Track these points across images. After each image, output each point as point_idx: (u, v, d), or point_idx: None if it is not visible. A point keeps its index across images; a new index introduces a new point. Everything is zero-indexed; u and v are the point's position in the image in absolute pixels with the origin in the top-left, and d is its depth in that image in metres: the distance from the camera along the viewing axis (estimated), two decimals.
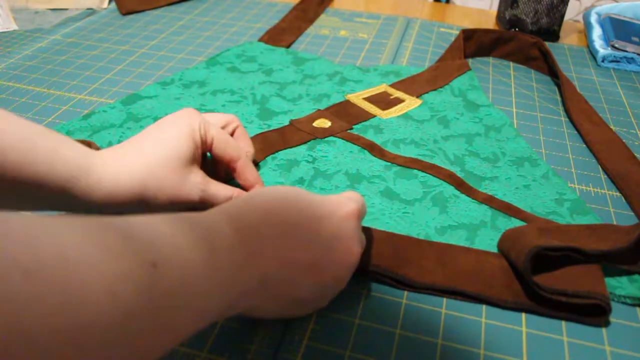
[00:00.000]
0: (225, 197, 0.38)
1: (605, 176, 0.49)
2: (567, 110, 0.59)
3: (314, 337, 0.33)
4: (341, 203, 0.33)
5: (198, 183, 0.37)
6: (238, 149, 0.40)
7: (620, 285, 0.37)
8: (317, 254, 0.30)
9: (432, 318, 0.35)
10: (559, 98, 0.63)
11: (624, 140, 0.53)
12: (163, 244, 0.23)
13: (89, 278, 0.18)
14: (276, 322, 0.34)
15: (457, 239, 0.40)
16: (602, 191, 0.48)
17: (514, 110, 0.60)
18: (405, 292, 0.37)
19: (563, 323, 0.35)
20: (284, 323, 0.34)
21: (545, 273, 0.35)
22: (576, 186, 0.48)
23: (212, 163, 0.43)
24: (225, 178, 0.42)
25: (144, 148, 0.36)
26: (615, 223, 0.44)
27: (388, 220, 0.41)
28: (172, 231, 0.24)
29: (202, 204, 0.37)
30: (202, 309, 0.24)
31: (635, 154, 0.52)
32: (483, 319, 0.35)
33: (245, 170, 0.40)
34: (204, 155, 0.41)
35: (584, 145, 0.54)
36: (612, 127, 0.57)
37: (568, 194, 0.45)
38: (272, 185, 0.36)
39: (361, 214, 0.34)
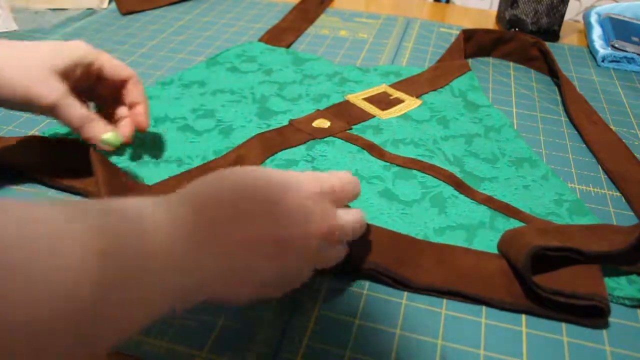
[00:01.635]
0: (80, 116, 0.40)
1: (605, 176, 0.49)
2: (567, 110, 0.59)
3: (314, 337, 0.33)
4: (304, 182, 0.32)
5: (57, 89, 0.39)
6: (129, 69, 0.45)
7: (618, 287, 0.37)
8: (275, 231, 0.29)
9: (432, 318, 0.35)
10: (559, 98, 0.63)
11: (624, 140, 0.53)
12: (117, 227, 0.23)
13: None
14: (276, 322, 0.34)
15: (455, 239, 0.40)
16: (602, 191, 0.48)
17: (514, 110, 0.60)
18: (405, 292, 0.37)
19: (563, 323, 0.35)
20: (284, 323, 0.34)
21: (544, 273, 0.35)
22: (576, 186, 0.48)
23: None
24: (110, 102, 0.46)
25: (23, 43, 0.41)
26: (615, 223, 0.44)
27: (387, 220, 0.41)
28: (119, 220, 0.24)
29: (52, 113, 0.40)
30: (162, 289, 0.24)
31: (635, 154, 0.52)
32: (483, 320, 0.35)
33: (136, 87, 0.45)
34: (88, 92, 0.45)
35: (584, 145, 0.54)
36: (612, 127, 0.57)
37: (567, 194, 0.45)
38: (232, 167, 0.35)
39: (336, 192, 0.33)
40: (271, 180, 0.31)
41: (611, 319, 0.35)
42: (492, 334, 0.34)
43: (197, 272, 0.26)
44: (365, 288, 0.37)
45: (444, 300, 0.36)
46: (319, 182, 0.32)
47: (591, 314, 0.35)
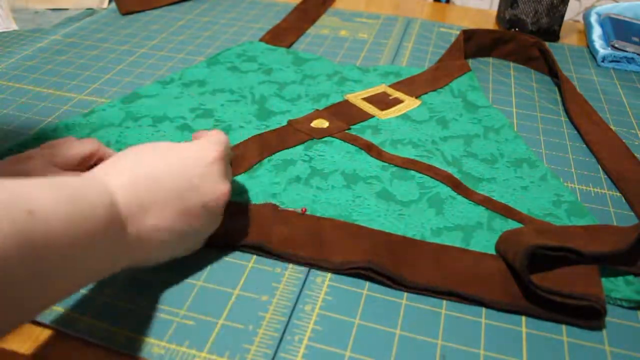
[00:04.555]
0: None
1: (605, 176, 0.49)
2: (567, 110, 0.59)
3: (314, 337, 0.33)
4: (206, 149, 0.36)
5: None
6: (84, 144, 0.40)
7: (615, 288, 0.36)
8: (189, 200, 0.33)
9: (432, 318, 0.35)
10: (559, 98, 0.63)
11: (624, 140, 0.53)
12: (40, 197, 0.25)
13: None
14: (276, 322, 0.34)
15: (452, 240, 0.40)
16: (602, 191, 0.47)
17: (514, 110, 0.60)
18: (405, 293, 0.37)
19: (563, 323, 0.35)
20: (284, 323, 0.34)
21: (541, 273, 0.35)
22: (576, 186, 0.48)
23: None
24: None
25: None
26: (615, 223, 0.44)
27: (383, 221, 0.41)
28: (50, 189, 0.26)
29: None
30: (81, 264, 0.26)
31: (635, 154, 0.52)
32: (483, 320, 0.35)
33: (107, 153, 0.41)
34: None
35: (584, 145, 0.54)
36: (612, 127, 0.57)
37: (566, 195, 0.45)
38: (141, 144, 0.36)
39: (226, 154, 0.37)
40: (180, 150, 0.35)
41: (611, 319, 0.35)
42: (492, 334, 0.34)
43: (118, 243, 0.29)
44: (365, 288, 0.37)
45: (444, 301, 0.36)
46: (217, 145, 0.36)
47: (588, 314, 0.35)
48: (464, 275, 0.37)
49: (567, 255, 0.36)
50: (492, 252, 0.39)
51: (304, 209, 0.42)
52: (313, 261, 0.38)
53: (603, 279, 0.37)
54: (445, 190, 0.45)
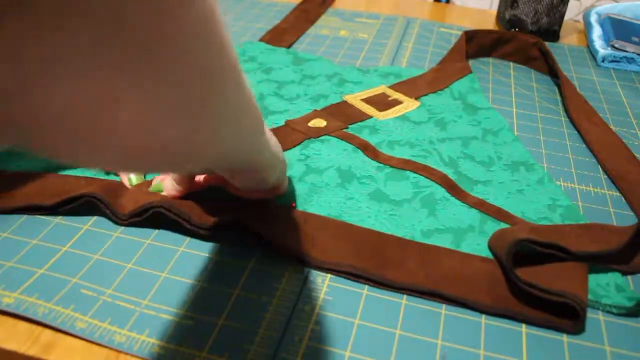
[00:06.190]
0: None
1: (605, 176, 0.49)
2: (567, 110, 0.59)
3: (314, 337, 0.33)
4: None
5: None
6: None
7: (607, 294, 0.36)
8: None
9: (432, 318, 0.35)
10: (559, 98, 0.63)
11: (624, 140, 0.53)
12: None
13: None
14: (276, 322, 0.34)
15: (443, 242, 0.39)
16: (602, 191, 0.47)
17: (514, 110, 0.60)
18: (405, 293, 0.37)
19: None
20: (284, 323, 0.34)
21: (528, 267, 0.35)
22: (576, 186, 0.48)
23: None
24: None
25: None
26: (615, 223, 0.44)
27: (374, 222, 0.41)
28: None
29: None
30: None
31: (635, 154, 0.52)
32: (483, 320, 0.35)
33: None
34: None
35: (584, 145, 0.54)
36: (612, 127, 0.57)
37: (562, 200, 0.44)
38: None
39: None
40: None
41: (611, 320, 0.35)
42: (492, 334, 0.34)
43: None
44: (365, 288, 0.37)
45: None
46: None
47: (570, 317, 0.34)
48: (449, 276, 0.36)
49: (556, 253, 0.36)
50: (482, 255, 0.39)
51: (293, 204, 0.42)
52: (296, 253, 0.37)
53: (594, 285, 0.36)
54: (439, 191, 0.44)
